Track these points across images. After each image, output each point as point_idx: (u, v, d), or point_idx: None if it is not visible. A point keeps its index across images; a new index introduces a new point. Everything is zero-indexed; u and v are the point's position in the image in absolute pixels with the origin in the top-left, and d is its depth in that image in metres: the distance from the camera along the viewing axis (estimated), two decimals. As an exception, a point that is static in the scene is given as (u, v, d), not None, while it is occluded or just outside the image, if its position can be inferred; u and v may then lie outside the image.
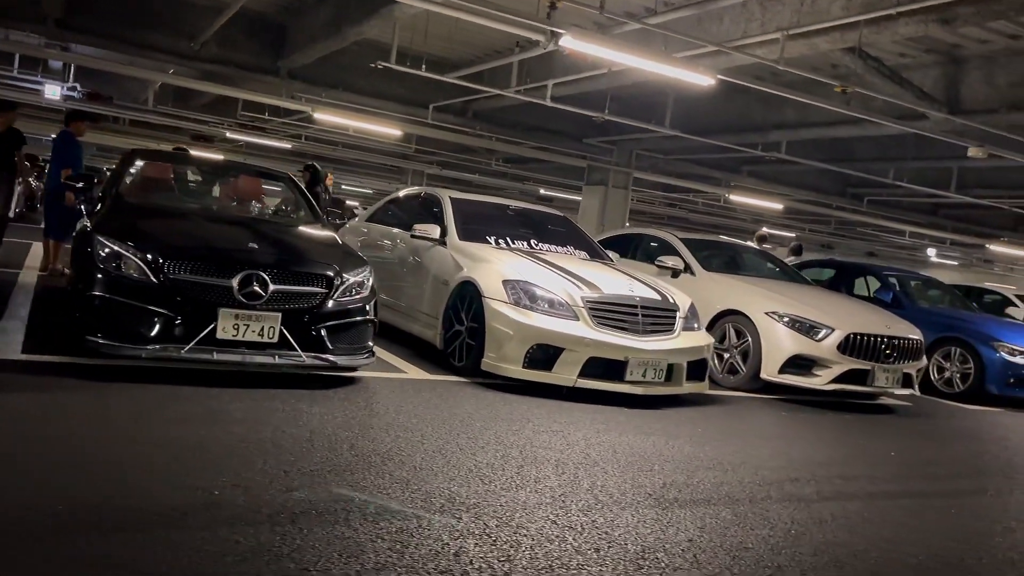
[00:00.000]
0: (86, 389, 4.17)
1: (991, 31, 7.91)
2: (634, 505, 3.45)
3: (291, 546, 2.53)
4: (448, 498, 3.19)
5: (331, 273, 5.03)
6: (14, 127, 8.24)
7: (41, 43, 12.05)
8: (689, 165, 15.25)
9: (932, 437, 6.56)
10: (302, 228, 6.05)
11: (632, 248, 9.37)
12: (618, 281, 6.24)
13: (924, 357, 7.65)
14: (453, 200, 7.47)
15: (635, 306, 5.99)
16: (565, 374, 5.70)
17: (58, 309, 5.61)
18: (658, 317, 6.11)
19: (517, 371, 5.69)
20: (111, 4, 10.80)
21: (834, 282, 11.32)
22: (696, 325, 6.48)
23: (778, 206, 17.77)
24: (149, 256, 4.59)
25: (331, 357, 4.92)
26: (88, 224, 5.20)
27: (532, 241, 7.12)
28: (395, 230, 7.81)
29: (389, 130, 12.21)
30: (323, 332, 4.92)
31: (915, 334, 7.51)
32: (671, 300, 6.31)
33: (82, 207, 6.64)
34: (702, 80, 6.85)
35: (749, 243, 14.22)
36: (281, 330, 4.72)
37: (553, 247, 7.15)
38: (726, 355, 7.54)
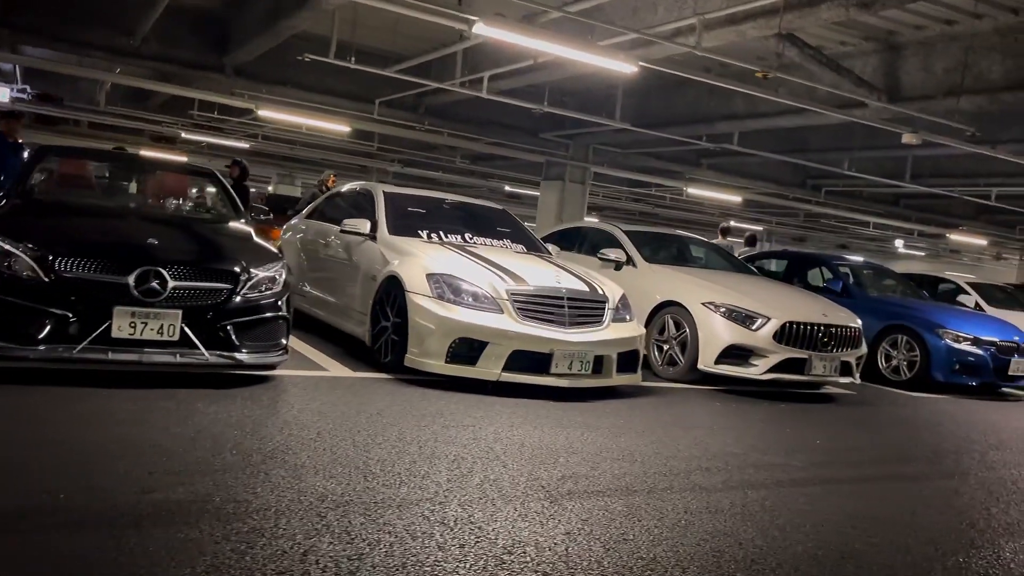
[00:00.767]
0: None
1: (926, 17, 7.90)
2: (521, 499, 3.35)
3: (122, 551, 2.41)
4: (319, 496, 3.08)
5: (237, 269, 4.89)
6: None
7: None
8: (647, 159, 15.21)
9: (865, 424, 6.52)
10: (216, 224, 5.91)
11: (579, 242, 9.29)
12: (545, 273, 6.15)
13: (864, 345, 7.62)
14: (386, 194, 7.35)
15: (561, 298, 5.90)
16: (489, 368, 5.60)
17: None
18: (586, 309, 6.03)
19: (440, 366, 5.59)
20: (49, 1, 10.57)
21: (788, 273, 11.33)
22: (628, 317, 6.40)
23: (737, 198, 17.79)
24: (40, 254, 4.44)
25: (238, 355, 4.79)
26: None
27: (467, 235, 7.00)
28: (330, 226, 7.68)
29: (336, 126, 12.06)
30: (230, 329, 4.78)
31: (854, 322, 7.49)
32: (600, 292, 6.22)
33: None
34: (624, 68, 6.77)
35: (715, 239, 14.26)
36: (182, 328, 4.58)
37: (488, 240, 7.04)
38: (665, 347, 7.48)
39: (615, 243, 8.62)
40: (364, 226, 6.85)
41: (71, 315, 4.36)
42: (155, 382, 4.58)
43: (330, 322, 7.17)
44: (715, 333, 7.07)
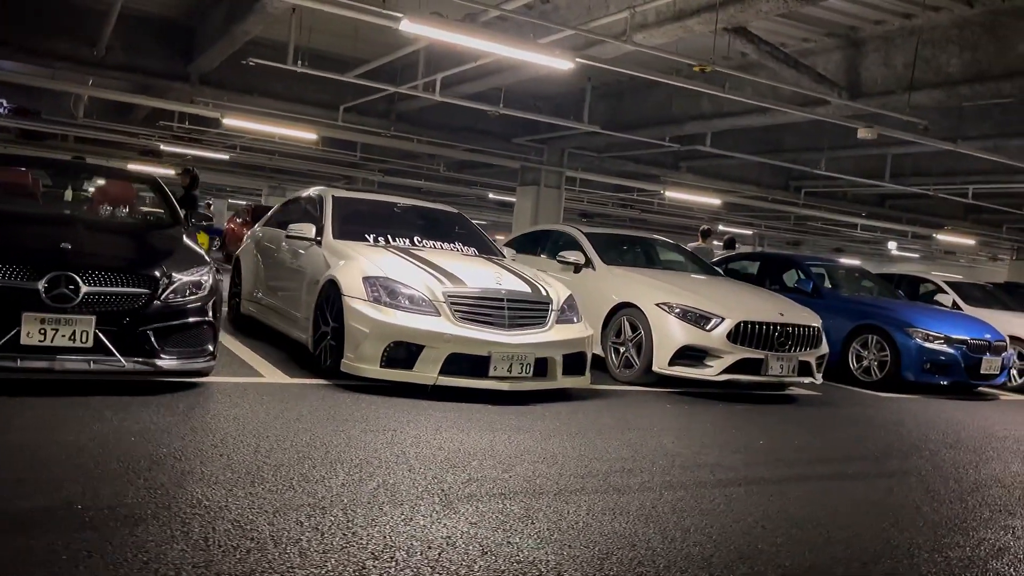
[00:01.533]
0: None
1: (885, 11, 7.81)
2: (413, 503, 3.23)
3: (-54, 560, 2.30)
4: (192, 503, 2.96)
5: (157, 273, 4.78)
6: None
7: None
8: (624, 162, 15.10)
9: (819, 425, 6.37)
10: (147, 230, 5.81)
11: (542, 244, 9.19)
12: (487, 275, 6.03)
13: (824, 345, 7.48)
14: (335, 199, 7.26)
15: (501, 299, 5.78)
16: (426, 372, 5.49)
17: None
18: (527, 310, 5.91)
19: (375, 371, 5.47)
20: (10, 11, 10.52)
21: (761, 274, 11.21)
22: (575, 318, 6.29)
23: (716, 201, 17.67)
24: (-54, 261, 4.34)
25: (159, 362, 4.68)
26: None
27: (416, 238, 6.90)
28: (281, 232, 7.58)
29: (303, 134, 11.98)
30: (149, 335, 4.67)
31: (813, 321, 7.36)
32: (544, 293, 6.11)
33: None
34: (560, 64, 6.67)
35: (695, 242, 14.12)
36: (96, 334, 4.47)
37: (438, 244, 6.94)
38: (622, 349, 7.36)
39: (575, 245, 8.52)
40: (310, 231, 6.77)
41: (-22, 323, 4.26)
42: (76, 390, 4.46)
43: (280, 329, 7.07)
44: (669, 334, 6.95)
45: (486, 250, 7.19)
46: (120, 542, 2.54)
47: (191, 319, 4.91)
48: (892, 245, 30.86)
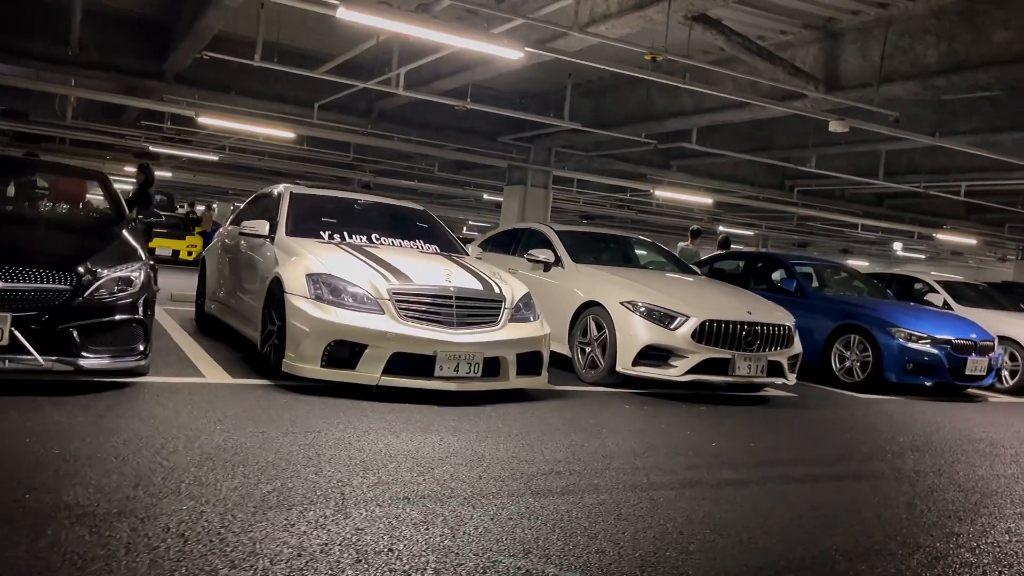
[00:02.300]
0: None
1: (861, 1, 7.58)
2: (303, 507, 3.05)
3: None
4: (58, 507, 2.80)
5: (81, 269, 4.63)
6: None
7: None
8: (612, 161, 14.89)
9: (783, 427, 6.14)
10: (83, 227, 5.67)
11: (515, 243, 9.01)
12: (437, 272, 5.85)
13: (797, 344, 7.24)
14: (293, 195, 7.12)
15: (449, 297, 5.60)
16: (368, 372, 5.32)
17: None
18: (478, 308, 5.73)
19: (315, 371, 5.30)
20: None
21: (746, 273, 10.99)
22: (532, 317, 6.10)
23: (708, 200, 17.42)
24: None
25: (81, 361, 4.53)
26: None
27: (374, 235, 6.73)
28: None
29: (279, 132, 11.85)
30: (72, 333, 4.53)
31: (784, 320, 7.13)
32: (497, 291, 5.92)
33: None
34: (510, 54, 6.49)
35: (686, 241, 13.89)
36: (12, 331, 4.33)
37: (397, 241, 6.77)
38: (588, 349, 7.17)
39: (547, 243, 8.34)
40: (263, 228, 6.63)
41: None
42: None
43: (237, 328, 6.93)
44: (633, 333, 6.75)
45: (448, 248, 7.02)
46: (-45, 549, 2.38)
47: (118, 317, 4.76)
48: (898, 246, 30.45)
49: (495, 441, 4.49)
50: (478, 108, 10.40)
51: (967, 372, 8.73)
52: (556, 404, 5.88)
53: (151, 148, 17.97)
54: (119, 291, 4.80)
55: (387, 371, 5.32)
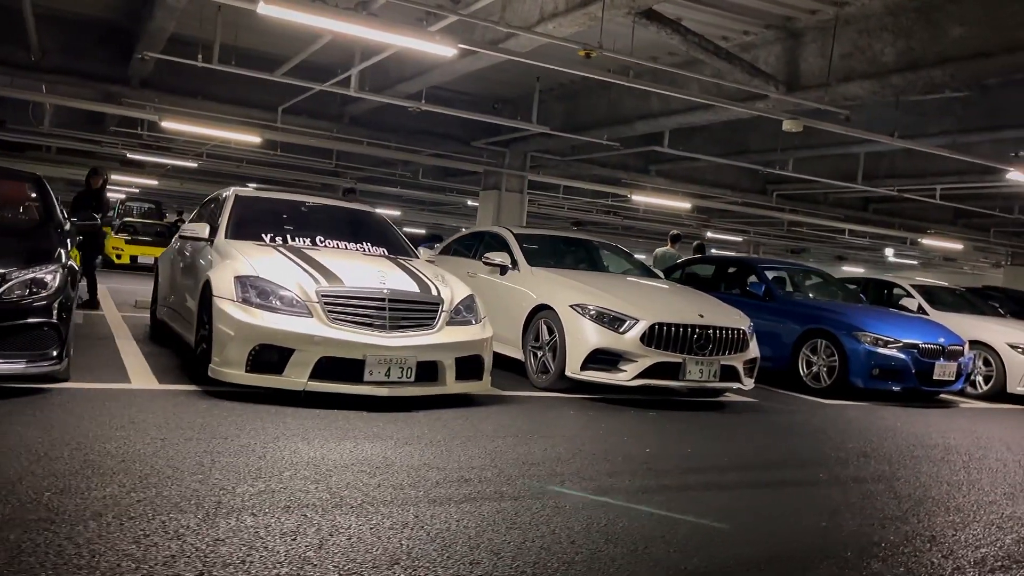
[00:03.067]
0: None
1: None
2: (167, 516, 2.90)
3: None
4: None
5: (-14, 271, 4.50)
6: None
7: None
8: (590, 166, 14.76)
9: (729, 433, 5.96)
10: (2, 228, 5.53)
11: (476, 246, 8.87)
12: (372, 274, 5.70)
13: (753, 348, 7.07)
14: (237, 198, 7.01)
15: (382, 299, 5.46)
16: (295, 377, 5.17)
17: None
18: (413, 311, 5.58)
19: (240, 376, 5.15)
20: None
21: (716, 277, 10.84)
22: (474, 320, 5.95)
23: (686, 205, 17.28)
24: None
25: (-15, 364, 4.39)
26: None
27: (319, 238, 6.60)
28: (187, 234, 7.31)
29: (244, 136, 11.73)
30: (-23, 336, 4.39)
31: (738, 323, 6.96)
32: (434, 293, 5.77)
33: None
34: (443, 51, 6.35)
35: (662, 248, 13.74)
36: (-91, 335, 4.20)
37: (342, 244, 6.64)
38: (539, 353, 7.02)
39: (505, 246, 8.20)
40: (203, 231, 6.52)
41: None
42: None
43: (181, 333, 6.78)
44: (581, 337, 6.60)
45: (397, 250, 6.88)
46: None
47: (31, 320, 4.63)
48: (889, 252, 30.29)
49: (413, 447, 4.33)
50: (432, 110, 10.26)
51: (935, 377, 8.56)
52: (496, 409, 5.73)
53: (128, 155, 17.84)
54: (32, 293, 4.67)
55: (314, 376, 5.18)
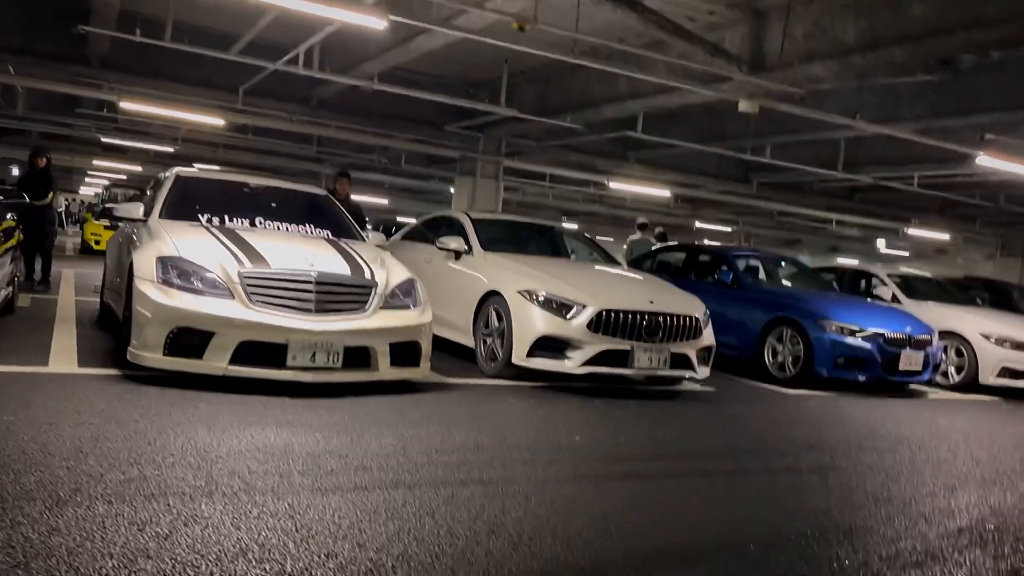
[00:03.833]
0: None
1: (781, -23, 7.23)
2: (10, 501, 2.72)
3: None
4: None
5: None
6: None
7: None
8: (567, 152, 14.53)
9: (672, 423, 5.76)
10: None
11: (436, 230, 8.65)
12: (301, 255, 5.50)
13: (707, 336, 6.87)
14: (178, 178, 6.82)
15: (308, 281, 5.26)
16: (215, 361, 4.97)
17: None
18: (343, 294, 5.39)
19: (157, 359, 4.96)
20: None
21: (687, 265, 10.65)
22: (412, 304, 5.75)
23: (666, 193, 17.06)
24: None
25: None
26: None
27: (259, 219, 6.40)
28: (129, 216, 7.12)
29: (206, 118, 11.51)
30: None
31: (691, 310, 6.74)
32: (368, 275, 5.57)
33: None
34: (373, 23, 6.14)
35: (634, 236, 13.54)
36: None
37: (284, 225, 6.43)
38: (489, 340, 6.83)
39: (462, 230, 8.00)
40: (137, 211, 6.35)
41: None
42: None
43: (120, 316, 6.60)
44: (529, 323, 6.41)
45: (341, 233, 6.66)
46: None
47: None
48: (881, 243, 30.05)
49: (321, 434, 4.15)
50: (404, 93, 10.05)
51: (901, 367, 8.36)
52: (431, 397, 5.54)
53: (103, 139, 17.61)
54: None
55: (236, 360, 4.98)
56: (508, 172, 17.33)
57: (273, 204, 6.91)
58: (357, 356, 5.36)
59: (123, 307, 5.63)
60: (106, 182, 27.66)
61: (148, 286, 5.09)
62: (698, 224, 25.73)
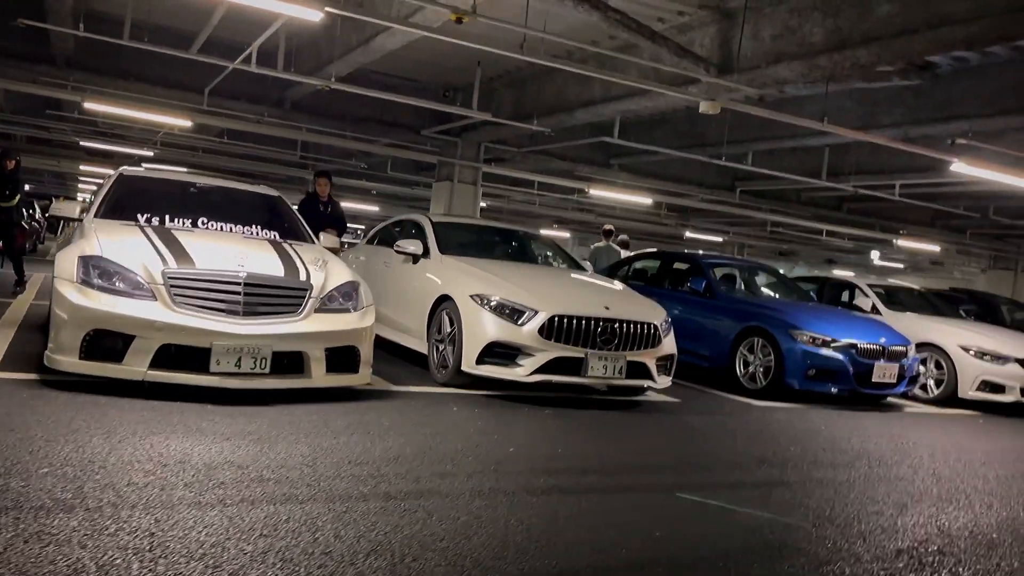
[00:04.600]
0: None
1: (749, -23, 7.03)
2: None
3: None
4: None
5: None
6: None
7: None
8: (548, 159, 14.32)
9: (621, 436, 5.51)
10: None
11: (399, 233, 8.41)
12: (232, 255, 5.27)
13: (667, 344, 6.61)
14: (121, 177, 6.63)
15: (237, 283, 5.02)
16: (135, 366, 4.74)
17: None
18: (274, 296, 5.16)
19: (73, 363, 4.73)
20: None
21: (662, 273, 10.42)
22: (352, 308, 5.52)
23: (647, 200, 16.84)
24: None
25: None
26: None
27: (201, 220, 6.17)
28: (75, 216, 6.92)
29: (173, 120, 11.31)
30: None
31: (650, 317, 6.49)
32: (302, 278, 5.34)
33: None
34: (307, 14, 5.93)
35: (599, 243, 13.28)
36: None
37: (228, 226, 6.20)
38: (442, 346, 6.59)
39: (422, 233, 7.78)
40: (73, 210, 6.14)
41: None
42: None
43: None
44: (479, 329, 6.17)
45: (290, 235, 6.43)
46: None
47: None
48: (875, 255, 29.79)
49: (231, 444, 3.91)
50: (344, 89, 9.81)
51: (874, 379, 8.10)
52: (367, 405, 5.29)
53: (81, 143, 17.42)
54: None
55: (156, 365, 4.75)
56: (494, 179, 17.15)
57: (221, 205, 6.68)
58: (290, 361, 5.13)
59: (49, 309, 5.41)
60: (95, 187, 27.47)
61: (67, 287, 4.87)
62: (688, 234, 25.48)
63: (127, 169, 6.82)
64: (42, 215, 21.78)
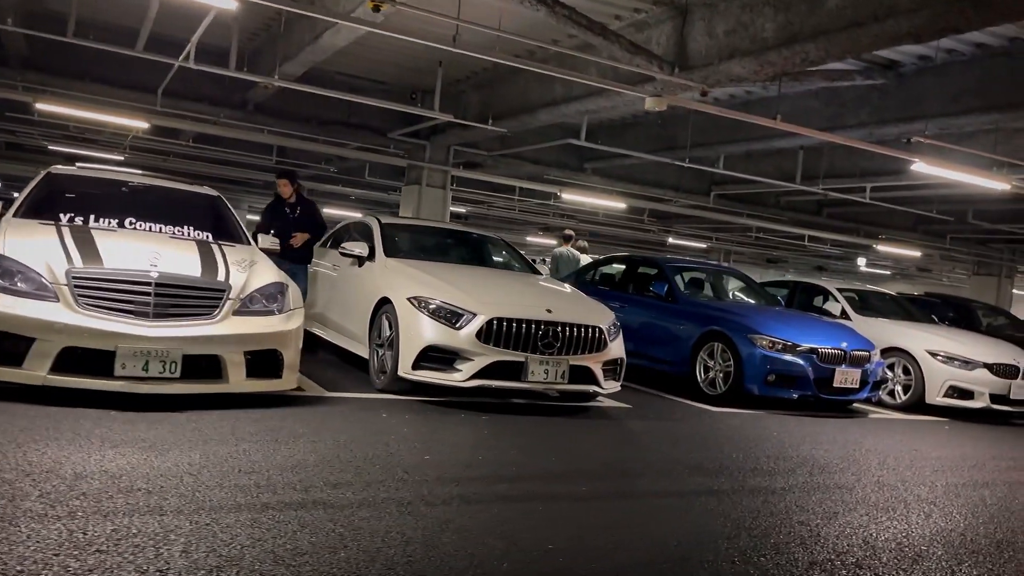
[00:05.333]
0: None
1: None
2: None
3: None
4: None
5: None
6: None
7: None
8: (520, 163, 14.11)
9: (553, 442, 5.30)
10: None
11: (351, 235, 8.19)
12: (144, 255, 5.04)
13: (613, 347, 6.38)
14: (48, 176, 6.43)
15: (147, 283, 4.80)
16: (35, 370, 4.51)
17: None
18: (188, 297, 4.93)
19: (-31, 367, 4.50)
20: None
21: (626, 277, 10.23)
22: (276, 310, 5.30)
23: (621, 205, 16.63)
24: None
25: None
26: None
27: (129, 220, 5.94)
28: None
29: (128, 121, 11.07)
30: None
31: (595, 320, 6.27)
32: (220, 278, 5.12)
33: None
34: (225, 4, 5.74)
35: (559, 248, 13.07)
36: None
37: (158, 226, 5.96)
38: (381, 351, 6.37)
39: (369, 235, 7.57)
40: (-7, 211, 5.89)
41: None
42: None
43: None
44: (416, 333, 5.94)
45: (223, 236, 6.21)
46: None
47: None
48: (861, 261, 29.65)
49: (116, 452, 3.68)
50: (299, 89, 9.59)
51: (836, 384, 7.90)
52: (287, 412, 5.06)
53: (49, 147, 17.17)
54: None
55: (57, 369, 4.53)
56: (471, 184, 16.91)
57: (153, 205, 6.45)
58: (207, 366, 4.91)
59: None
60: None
61: (-34, 287, 4.64)
62: (672, 240, 25.28)
63: (56, 168, 6.60)
64: None
